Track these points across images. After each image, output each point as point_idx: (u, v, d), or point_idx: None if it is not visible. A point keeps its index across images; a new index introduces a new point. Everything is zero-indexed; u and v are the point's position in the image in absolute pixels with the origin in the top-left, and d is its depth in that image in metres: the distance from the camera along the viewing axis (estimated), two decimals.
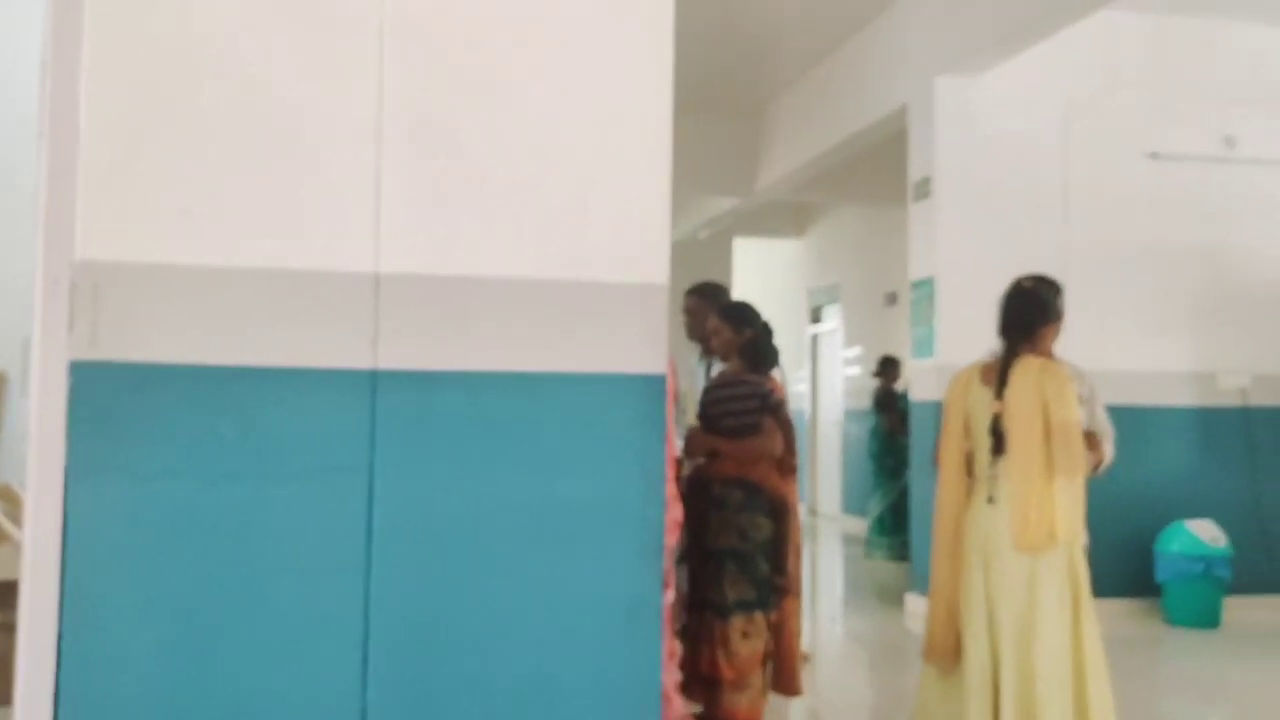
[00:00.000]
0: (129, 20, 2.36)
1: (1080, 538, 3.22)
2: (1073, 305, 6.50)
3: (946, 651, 3.21)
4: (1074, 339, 6.46)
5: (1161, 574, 6.16)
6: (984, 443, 3.20)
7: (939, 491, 3.34)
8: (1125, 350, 6.52)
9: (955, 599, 3.22)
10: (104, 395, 2.30)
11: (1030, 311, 3.31)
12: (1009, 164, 6.48)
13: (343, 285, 2.40)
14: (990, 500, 3.18)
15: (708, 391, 4.10)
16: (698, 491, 4.01)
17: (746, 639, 3.87)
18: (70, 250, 2.30)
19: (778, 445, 4.04)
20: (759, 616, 3.91)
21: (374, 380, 2.41)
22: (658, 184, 2.60)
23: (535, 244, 2.51)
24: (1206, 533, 6.12)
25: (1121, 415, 6.58)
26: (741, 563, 3.90)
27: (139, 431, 2.31)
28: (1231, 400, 6.59)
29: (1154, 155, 6.59)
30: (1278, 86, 6.79)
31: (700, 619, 3.94)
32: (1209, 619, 6.08)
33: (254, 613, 2.35)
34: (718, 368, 4.36)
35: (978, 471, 3.23)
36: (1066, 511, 3.15)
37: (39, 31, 2.64)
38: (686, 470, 4.05)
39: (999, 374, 3.24)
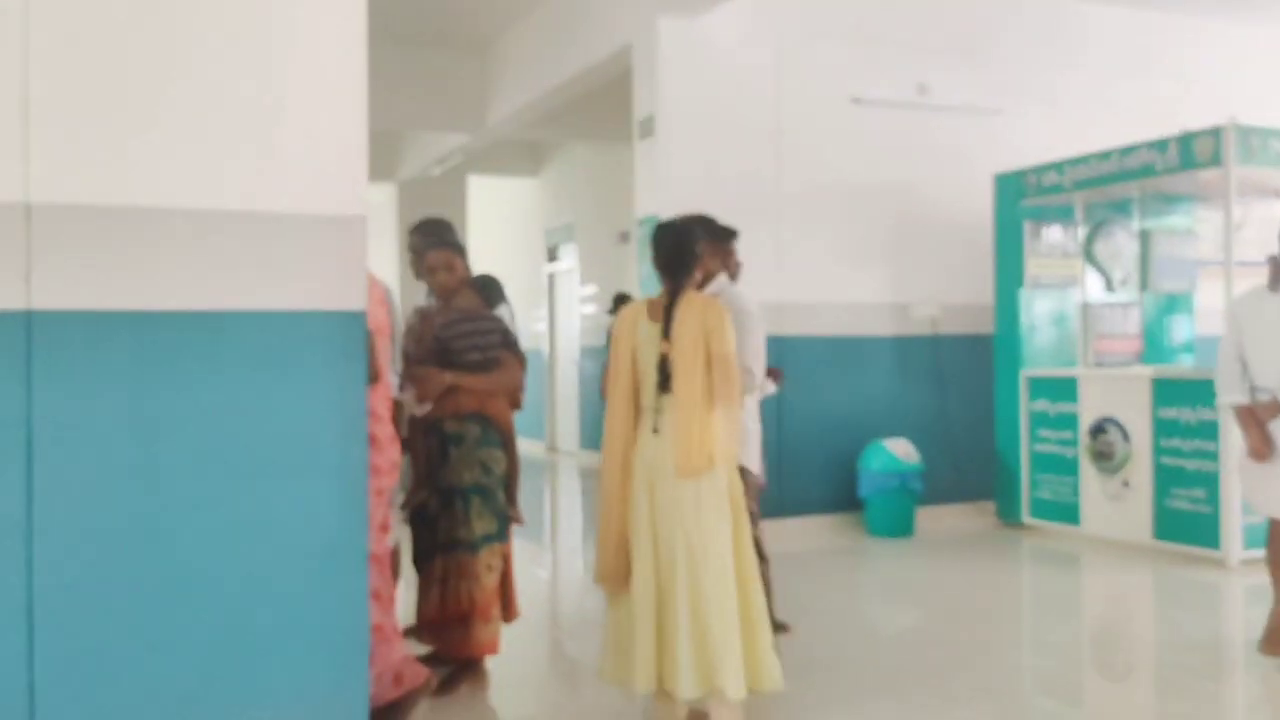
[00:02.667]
0: None
1: (735, 459, 3.43)
2: (785, 241, 6.89)
3: (618, 575, 3.36)
4: (786, 273, 6.84)
5: (863, 489, 6.67)
6: (651, 377, 3.34)
7: (607, 423, 3.46)
8: (831, 283, 6.94)
9: (625, 525, 3.36)
10: None
11: (688, 252, 3.47)
12: (727, 105, 6.69)
13: None
14: (655, 431, 3.33)
15: (447, 326, 4.01)
16: (429, 430, 3.95)
17: (491, 571, 3.91)
18: None
19: (521, 378, 4.07)
20: (499, 547, 3.95)
21: (29, 321, 2.19)
22: (353, 108, 2.49)
23: (217, 172, 2.35)
24: (902, 450, 6.67)
25: (829, 344, 7.05)
26: (485, 497, 3.91)
27: None
28: (923, 329, 7.17)
29: (856, 100, 6.99)
30: (965, 38, 7.36)
31: (449, 558, 3.90)
32: (904, 528, 6.66)
33: None
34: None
35: (644, 403, 3.37)
36: (723, 437, 3.34)
37: None
38: (408, 410, 3.97)
39: (664, 311, 3.37)
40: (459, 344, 3.94)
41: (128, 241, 2.26)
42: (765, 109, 6.83)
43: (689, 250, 3.49)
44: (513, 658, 4.24)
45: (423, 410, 3.94)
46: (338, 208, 2.46)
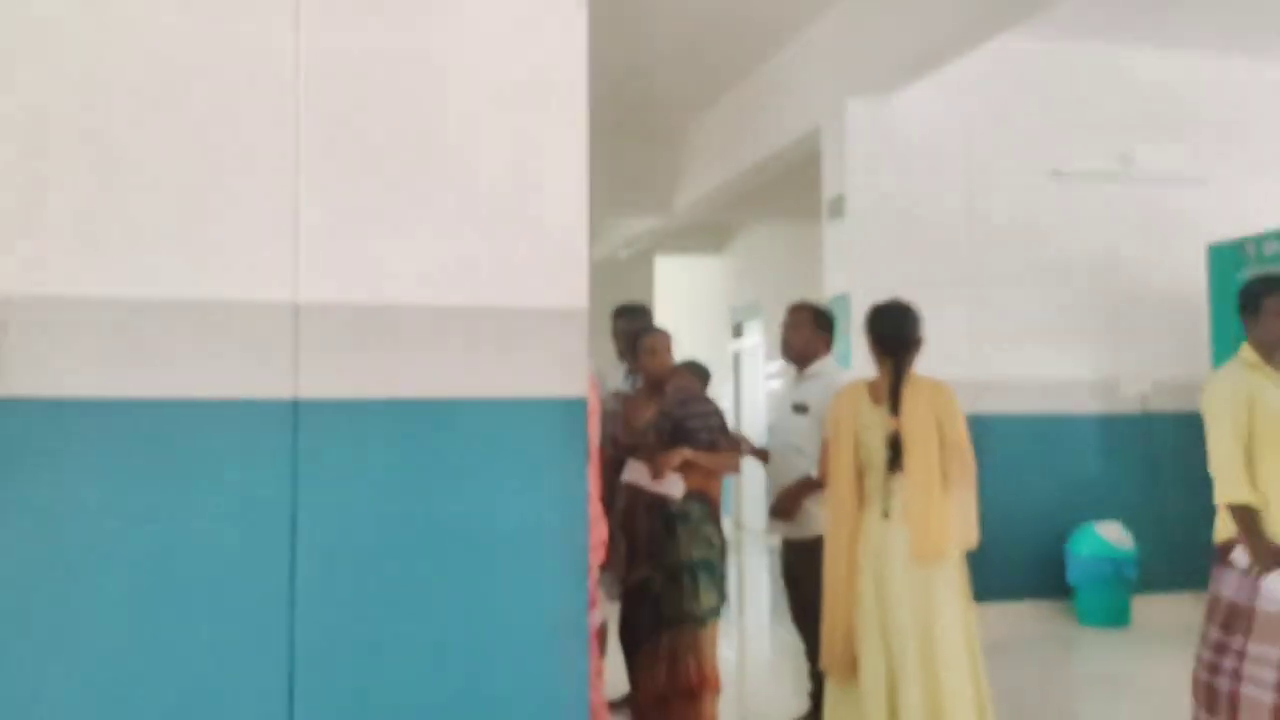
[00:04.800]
0: (37, 48, 2.35)
1: (968, 546, 3.36)
2: (980, 318, 6.76)
3: (845, 663, 3.32)
4: (981, 350, 6.70)
5: (1073, 576, 6.38)
6: (879, 459, 3.31)
7: (832, 508, 3.44)
8: (1031, 361, 6.74)
9: (851, 611, 3.32)
10: (15, 433, 2.27)
11: (913, 331, 3.45)
12: (918, 182, 6.67)
13: (262, 314, 2.41)
14: (885, 515, 3.29)
15: (680, 405, 4.13)
16: (650, 509, 4.04)
17: (714, 644, 4.00)
18: None
19: (740, 462, 4.17)
20: (719, 622, 4.04)
21: (295, 410, 2.42)
22: (575, 210, 2.66)
23: (456, 271, 2.55)
24: (1114, 534, 6.35)
25: (1030, 424, 6.83)
26: (710, 572, 4.00)
27: (52, 469, 2.29)
28: (1133, 407, 6.86)
29: (1055, 173, 6.84)
30: (1169, 107, 7.12)
31: (677, 634, 3.98)
32: (1119, 618, 6.31)
33: (179, 652, 2.33)
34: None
35: (870, 488, 3.34)
36: (958, 523, 3.28)
37: None
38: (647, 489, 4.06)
39: (890, 392, 3.35)
40: (693, 423, 4.06)
41: (381, 335, 2.47)
42: (958, 185, 6.78)
43: (914, 331, 3.47)
44: None
45: (660, 488, 4.03)
46: (564, 301, 2.61)
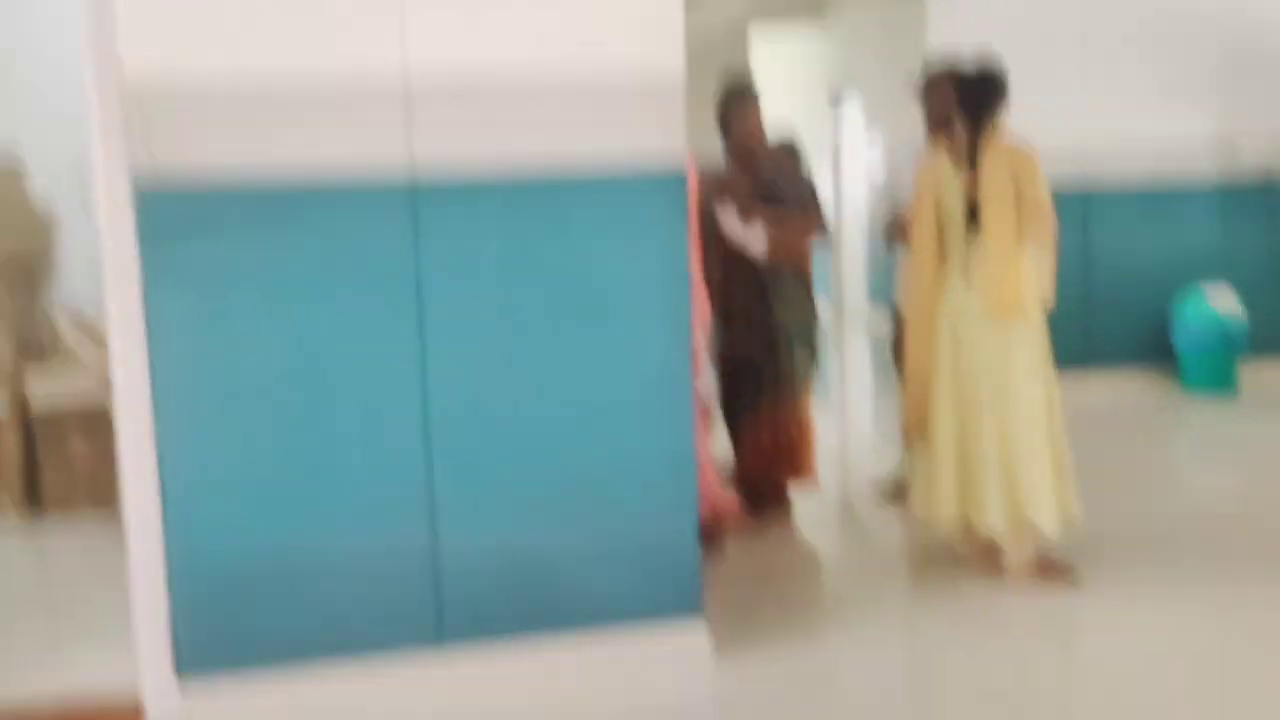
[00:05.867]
0: None
1: (1043, 304, 3.41)
2: (1092, 78, 6.47)
3: (922, 421, 3.47)
4: (1092, 112, 6.45)
5: (1179, 342, 6.33)
6: (957, 221, 3.34)
7: (914, 272, 3.50)
8: (1145, 122, 6.46)
9: (930, 371, 3.44)
10: (167, 214, 2.47)
11: (992, 94, 3.39)
12: None
13: (376, 85, 2.53)
14: (964, 276, 3.35)
15: (771, 182, 4.19)
16: (747, 276, 4.17)
17: (810, 402, 4.26)
18: (119, 72, 2.42)
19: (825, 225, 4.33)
20: (811, 380, 4.29)
21: (413, 191, 2.57)
22: None
23: (558, 45, 2.62)
24: (1223, 298, 6.24)
25: (1143, 185, 6.63)
26: (804, 337, 4.22)
27: (206, 244, 2.50)
28: (1253, 169, 6.56)
29: None
30: None
31: (777, 393, 4.18)
32: (1225, 384, 6.26)
33: (327, 406, 2.60)
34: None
35: (950, 249, 3.39)
36: (1033, 283, 3.33)
37: None
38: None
39: (968, 155, 3.35)
40: (783, 191, 4.13)
41: (487, 103, 2.59)
42: None
43: (994, 94, 3.44)
44: (821, 499, 4.50)
45: (745, 239, 4.12)
46: (661, 75, 2.68)
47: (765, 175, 4.19)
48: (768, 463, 4.23)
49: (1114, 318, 6.48)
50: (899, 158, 4.69)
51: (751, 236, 4.09)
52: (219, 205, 2.48)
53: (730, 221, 4.11)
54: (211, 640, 2.60)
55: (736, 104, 4.22)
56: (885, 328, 4.67)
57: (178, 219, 2.47)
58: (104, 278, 2.54)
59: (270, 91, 2.48)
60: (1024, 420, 3.34)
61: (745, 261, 4.15)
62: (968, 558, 3.59)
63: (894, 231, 4.36)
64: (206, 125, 2.46)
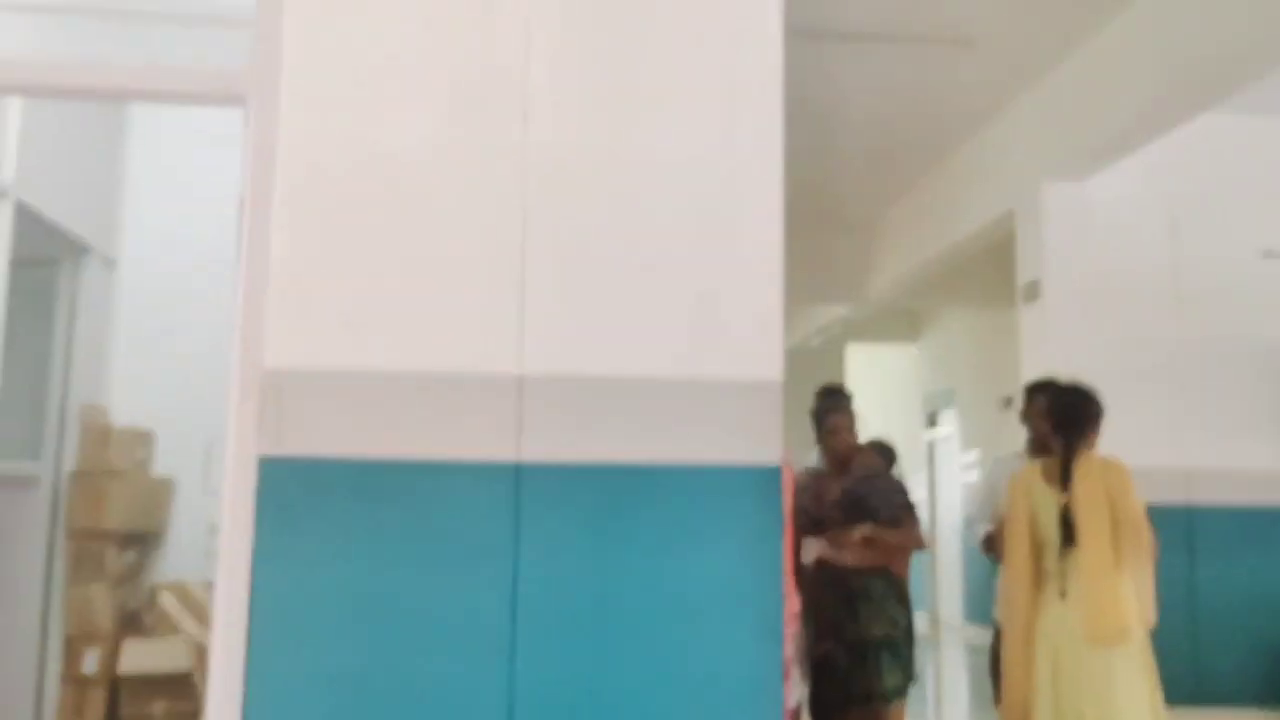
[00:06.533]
0: (311, 166, 2.75)
1: (1146, 625, 3.28)
2: (1185, 404, 6.48)
3: None
4: (1186, 438, 6.41)
5: None
6: (1053, 538, 3.30)
7: (1010, 589, 3.43)
8: (1247, 449, 6.40)
9: (1029, 692, 3.29)
10: (286, 488, 2.62)
11: (1086, 412, 3.46)
12: (1118, 265, 6.53)
13: (491, 386, 2.70)
14: (1062, 595, 3.27)
15: (861, 482, 4.23)
16: (834, 584, 4.12)
17: None
18: (261, 360, 2.65)
19: (922, 537, 4.24)
20: (903, 703, 4.07)
21: (518, 472, 2.68)
22: (773, 287, 2.86)
23: (662, 346, 2.78)
24: None
25: (1249, 515, 6.45)
26: (894, 651, 4.04)
27: (315, 521, 2.62)
28: None
29: (1267, 253, 6.57)
30: None
31: (866, 710, 4.03)
32: None
33: (413, 687, 2.60)
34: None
35: (1048, 567, 3.33)
36: (1134, 602, 3.23)
37: (232, 172, 3.06)
38: (810, 560, 4.18)
39: (1061, 471, 3.37)
40: (873, 500, 4.14)
41: (594, 405, 2.72)
42: (1160, 268, 6.60)
43: (1087, 412, 3.50)
44: None
45: (824, 556, 4.10)
46: (762, 373, 2.80)
47: (856, 476, 4.23)
48: None
49: (1227, 651, 6.12)
50: (996, 473, 4.71)
51: (813, 551, 4.10)
52: (333, 478, 2.62)
53: (817, 551, 4.12)
54: None
55: (829, 404, 4.35)
56: (984, 642, 4.50)
57: (294, 487, 2.61)
58: (216, 548, 2.66)
59: (393, 388, 2.67)
60: None
61: (835, 568, 4.12)
62: None
63: (993, 544, 4.32)
64: (332, 413, 2.65)
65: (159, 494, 5.10)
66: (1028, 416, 4.40)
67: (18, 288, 4.57)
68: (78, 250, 4.97)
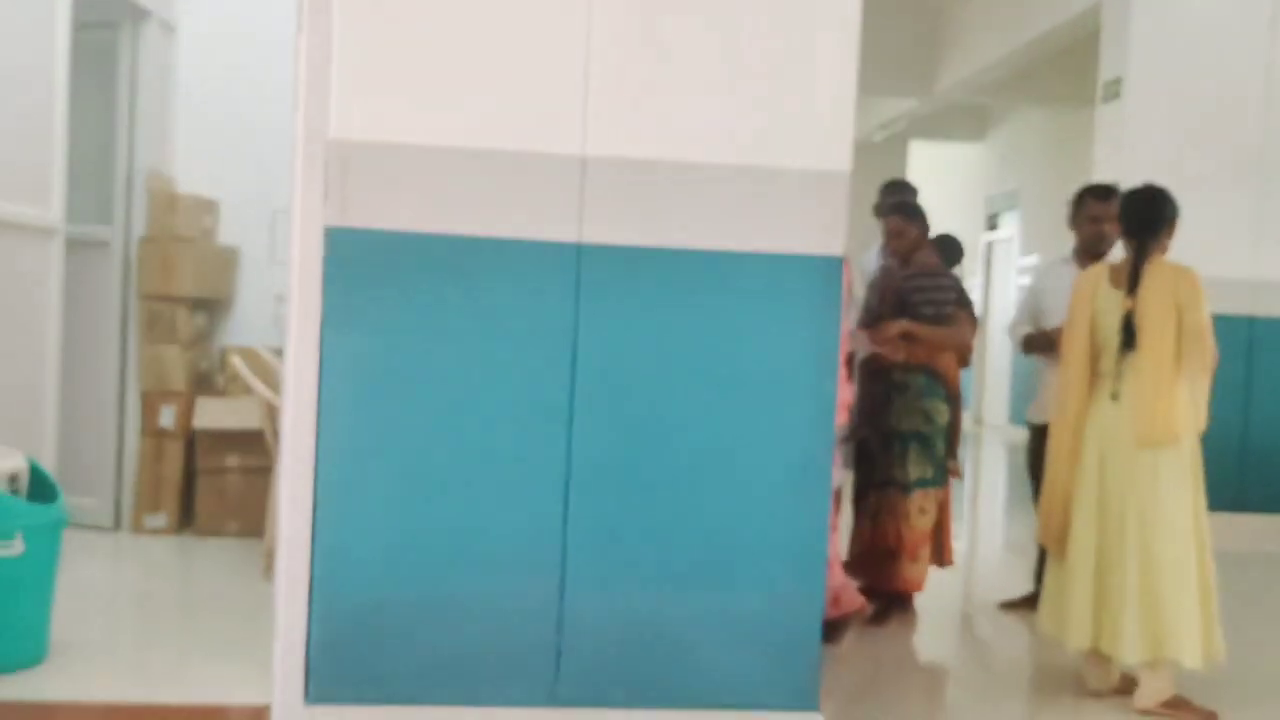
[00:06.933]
0: None
1: (1198, 431, 3.30)
2: (1266, 212, 6.27)
3: (1060, 538, 3.38)
4: (1264, 247, 6.24)
5: None
6: (1112, 341, 3.28)
7: (1062, 387, 3.44)
8: None
9: (1071, 487, 3.36)
10: (353, 259, 2.66)
11: (1159, 215, 3.36)
12: (1207, 64, 6.19)
13: (554, 166, 2.68)
14: (1114, 397, 3.27)
15: (907, 279, 4.24)
16: (876, 376, 4.21)
17: (924, 514, 4.13)
18: (325, 130, 2.64)
19: (971, 336, 4.24)
20: (933, 493, 4.16)
21: (579, 253, 2.70)
22: (844, 77, 2.76)
23: (728, 131, 2.73)
24: None
25: None
26: (924, 444, 4.13)
27: (381, 291, 2.68)
28: None
29: None
30: None
31: (882, 495, 4.19)
32: None
33: (475, 455, 2.71)
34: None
35: (1103, 369, 3.32)
36: (1188, 409, 3.23)
37: None
38: (859, 358, 4.25)
39: (1130, 275, 3.30)
40: (916, 298, 4.16)
41: (658, 189, 2.70)
42: (1253, 67, 6.25)
43: (1161, 214, 3.41)
44: (942, 603, 4.40)
45: (873, 351, 4.17)
46: (829, 164, 2.75)
47: (907, 273, 4.23)
48: (869, 555, 4.21)
49: (1274, 462, 6.17)
50: (1041, 276, 4.68)
51: (858, 342, 4.14)
52: (398, 250, 2.66)
53: (860, 343, 4.16)
54: (343, 672, 2.70)
55: (893, 201, 4.31)
56: (1022, 440, 4.58)
57: (361, 259, 2.65)
58: (283, 316, 2.74)
59: (457, 162, 2.66)
60: (1171, 550, 3.22)
61: (880, 360, 4.18)
62: (1096, 685, 3.44)
63: (1032, 345, 4.35)
64: (397, 187, 2.65)
65: (226, 261, 5.22)
66: (1076, 221, 4.33)
67: (80, 51, 4.55)
68: (137, 13, 4.89)
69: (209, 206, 5.11)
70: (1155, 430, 3.24)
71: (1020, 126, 11.64)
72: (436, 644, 2.72)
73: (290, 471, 2.72)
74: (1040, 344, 4.35)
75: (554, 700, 2.75)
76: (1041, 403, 4.38)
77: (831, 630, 3.62)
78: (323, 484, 2.68)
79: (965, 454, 10.21)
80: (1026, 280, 10.87)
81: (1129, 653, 3.23)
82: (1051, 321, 4.25)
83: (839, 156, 2.76)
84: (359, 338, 2.68)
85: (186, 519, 4.94)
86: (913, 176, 12.05)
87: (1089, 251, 4.26)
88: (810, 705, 2.82)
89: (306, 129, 2.67)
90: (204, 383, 5.07)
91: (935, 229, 4.48)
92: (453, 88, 2.68)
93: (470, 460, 2.72)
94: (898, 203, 4.47)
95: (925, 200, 4.83)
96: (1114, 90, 6.45)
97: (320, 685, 2.70)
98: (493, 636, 2.74)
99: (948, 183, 13.25)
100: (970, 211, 12.73)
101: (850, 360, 4.17)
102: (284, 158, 3.01)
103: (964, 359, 4.34)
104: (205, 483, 4.87)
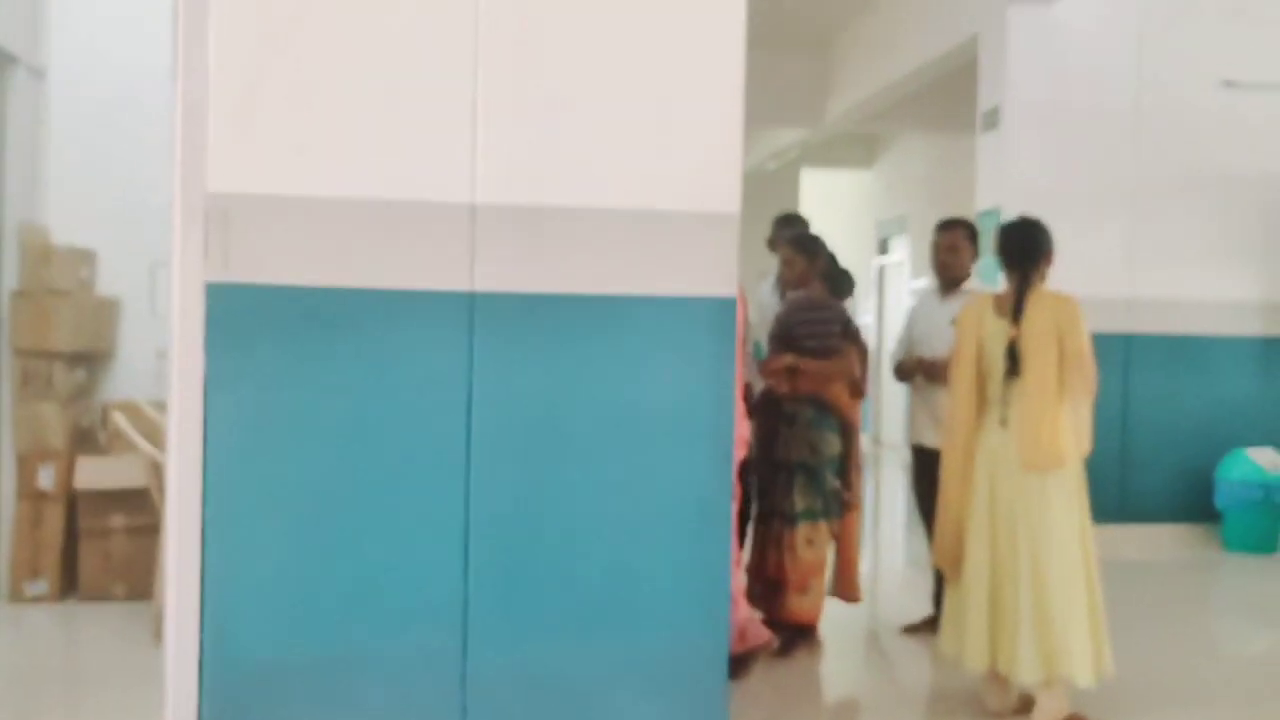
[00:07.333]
0: None
1: (1082, 455, 3.42)
2: (1139, 235, 6.57)
3: (954, 562, 3.47)
4: (1138, 268, 6.53)
5: (1221, 500, 6.25)
6: (998, 368, 3.39)
7: (952, 413, 3.55)
8: (1191, 280, 6.52)
9: (964, 513, 3.45)
10: (236, 314, 2.59)
11: (1037, 245, 3.50)
12: (1080, 93, 6.47)
13: (443, 214, 2.65)
14: (1002, 422, 3.39)
15: (792, 312, 4.30)
16: (768, 408, 4.25)
17: (811, 546, 4.14)
18: (203, 183, 2.57)
19: (857, 368, 4.30)
20: (823, 526, 4.18)
21: (471, 301, 2.67)
22: (730, 118, 2.80)
23: (617, 176, 2.74)
24: (1267, 460, 6.19)
25: (1186, 344, 6.65)
26: (810, 475, 4.15)
27: (267, 346, 2.61)
28: None
29: (1228, 83, 6.53)
30: None
31: (768, 527, 4.21)
32: (1266, 544, 6.18)
33: (369, 508, 2.66)
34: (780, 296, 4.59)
35: (991, 395, 3.44)
36: (1071, 434, 3.35)
37: None
38: (757, 391, 4.29)
39: (1013, 303, 3.43)
40: (799, 330, 4.22)
41: (549, 236, 2.69)
42: (1123, 97, 6.55)
43: (1039, 245, 3.53)
44: (847, 629, 4.44)
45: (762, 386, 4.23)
46: (717, 206, 2.77)
47: (792, 307, 4.30)
48: (757, 586, 4.24)
49: (1153, 472, 6.43)
50: (917, 302, 4.83)
51: (769, 373, 4.20)
52: (284, 304, 2.59)
53: (750, 375, 4.21)
54: None
55: (784, 234, 4.39)
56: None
57: (244, 314, 2.58)
58: (166, 371, 2.65)
59: (342, 212, 2.61)
60: (1060, 571, 3.31)
61: (772, 393, 4.23)
62: (995, 706, 3.51)
63: (901, 371, 4.47)
64: (281, 239, 2.59)
65: (105, 314, 5.03)
66: (931, 253, 4.51)
67: None
68: (2, 59, 4.71)
69: (85, 257, 4.92)
70: (1041, 454, 3.34)
71: (907, 154, 11.97)
72: (336, 705, 2.64)
73: (177, 532, 2.62)
74: (909, 369, 4.47)
75: None
76: (918, 426, 4.48)
77: (737, 665, 3.62)
78: (211, 544, 2.59)
79: (865, 475, 10.43)
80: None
81: (1024, 673, 3.31)
82: (920, 347, 4.39)
83: (728, 198, 2.79)
84: (245, 394, 2.60)
85: (69, 584, 4.72)
86: (806, 203, 12.30)
87: (942, 279, 4.43)
88: None
89: (184, 181, 2.61)
90: (85, 440, 4.87)
91: (832, 257, 4.55)
92: (336, 136, 2.64)
93: (365, 514, 2.66)
94: (790, 236, 4.55)
95: (817, 228, 4.92)
96: (992, 120, 6.68)
97: None
98: (395, 694, 2.67)
99: (840, 209, 13.55)
100: (862, 237, 13.02)
101: (748, 393, 4.21)
102: (163, 207, 2.92)
103: (856, 390, 4.39)
104: (88, 545, 4.66)
